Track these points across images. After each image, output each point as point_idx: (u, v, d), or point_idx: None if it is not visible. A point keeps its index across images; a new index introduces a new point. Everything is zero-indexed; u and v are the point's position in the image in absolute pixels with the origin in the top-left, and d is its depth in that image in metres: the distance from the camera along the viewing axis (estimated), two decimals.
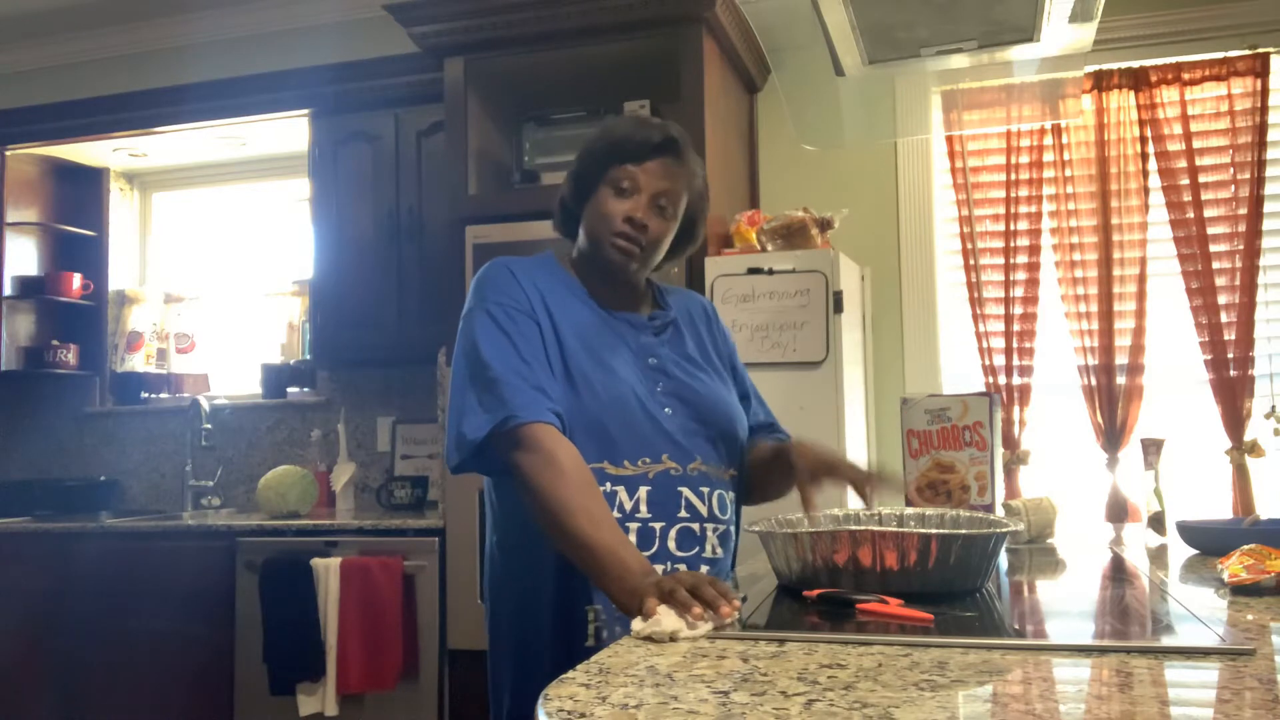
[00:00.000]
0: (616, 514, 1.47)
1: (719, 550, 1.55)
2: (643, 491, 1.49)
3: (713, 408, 1.60)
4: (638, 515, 1.49)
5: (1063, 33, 2.10)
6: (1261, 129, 3.11)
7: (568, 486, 1.37)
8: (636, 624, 1.13)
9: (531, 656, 1.50)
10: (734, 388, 1.70)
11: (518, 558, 1.55)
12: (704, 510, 1.54)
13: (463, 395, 1.48)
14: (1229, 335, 3.11)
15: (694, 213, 1.64)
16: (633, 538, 1.47)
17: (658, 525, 1.50)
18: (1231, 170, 3.14)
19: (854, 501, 1.58)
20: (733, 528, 1.60)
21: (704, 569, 1.51)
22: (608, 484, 1.48)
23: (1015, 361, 3.26)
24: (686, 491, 1.52)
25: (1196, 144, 3.16)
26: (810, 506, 1.51)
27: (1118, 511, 3.11)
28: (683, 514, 1.52)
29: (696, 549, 1.52)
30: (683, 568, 1.48)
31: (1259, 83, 3.12)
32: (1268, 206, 3.13)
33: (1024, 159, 3.29)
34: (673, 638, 1.09)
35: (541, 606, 1.50)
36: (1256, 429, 3.09)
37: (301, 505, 3.47)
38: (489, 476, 1.58)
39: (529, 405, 1.43)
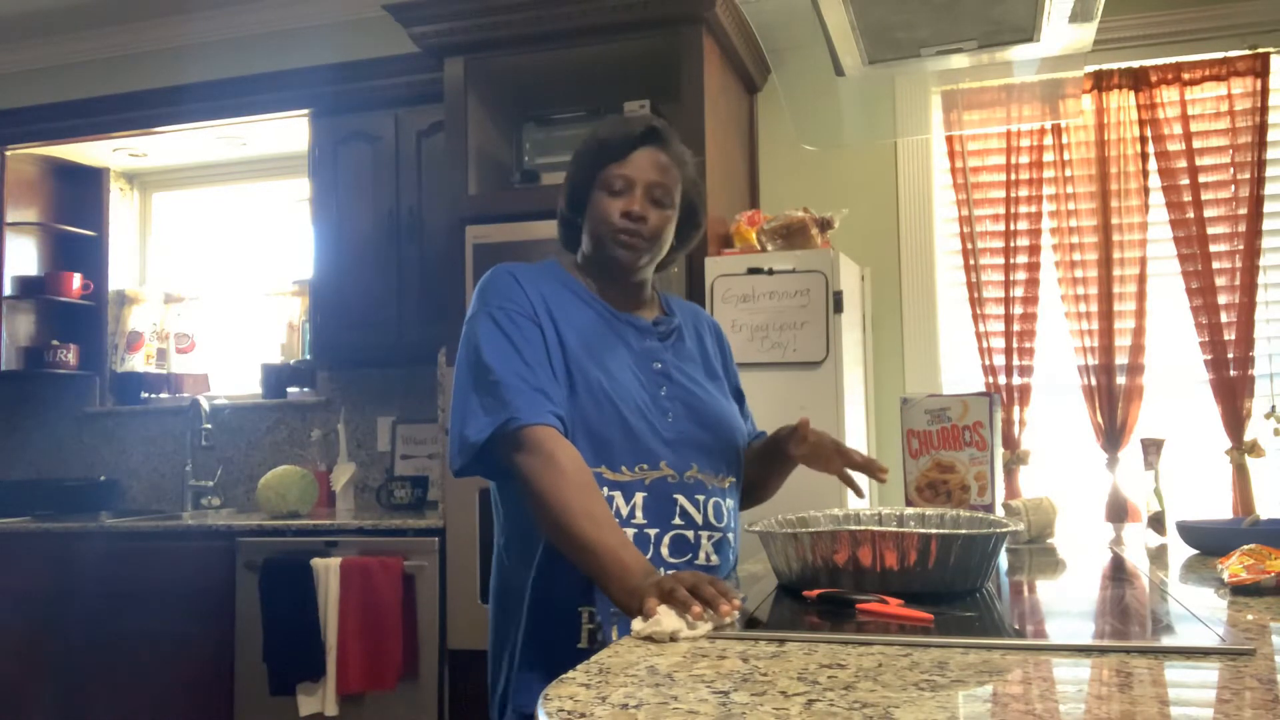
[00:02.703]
0: None
1: (714, 558, 1.55)
2: (639, 497, 1.50)
3: (715, 415, 1.61)
4: (633, 521, 1.49)
5: (1063, 33, 2.10)
6: (1261, 129, 3.11)
7: (569, 488, 1.37)
8: (636, 624, 1.13)
9: (534, 658, 1.50)
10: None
11: (523, 561, 1.54)
12: (699, 518, 1.53)
13: (465, 399, 1.48)
14: (1229, 335, 3.10)
15: (692, 199, 1.65)
16: None
17: (652, 532, 1.50)
18: (1231, 170, 3.14)
19: (854, 502, 1.58)
20: (730, 535, 1.60)
21: None
22: (605, 489, 1.47)
23: (1015, 361, 3.26)
24: (682, 499, 1.52)
25: (1196, 144, 3.16)
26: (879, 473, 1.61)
27: (1118, 511, 3.10)
28: (677, 521, 1.52)
29: (690, 556, 1.52)
30: None
31: (1259, 83, 3.12)
32: (1268, 206, 3.13)
33: (1024, 159, 3.29)
34: (673, 638, 1.09)
35: (546, 609, 1.49)
36: (1256, 429, 3.09)
37: (301, 505, 3.47)
38: (492, 480, 1.58)
39: (530, 407, 1.43)
